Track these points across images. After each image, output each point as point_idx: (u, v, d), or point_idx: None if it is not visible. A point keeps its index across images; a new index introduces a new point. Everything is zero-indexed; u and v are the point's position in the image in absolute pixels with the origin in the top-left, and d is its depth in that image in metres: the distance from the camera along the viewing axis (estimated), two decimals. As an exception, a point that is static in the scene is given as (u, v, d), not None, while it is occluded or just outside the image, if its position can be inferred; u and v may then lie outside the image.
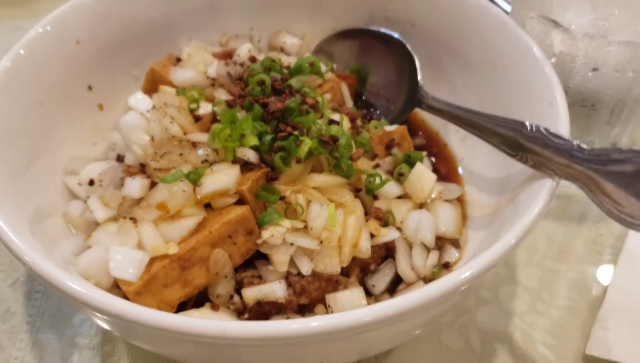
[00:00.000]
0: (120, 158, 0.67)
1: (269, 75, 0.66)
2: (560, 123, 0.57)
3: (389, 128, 0.71)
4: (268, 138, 0.60)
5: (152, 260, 0.53)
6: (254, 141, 0.60)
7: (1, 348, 0.66)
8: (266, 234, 0.57)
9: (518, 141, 0.57)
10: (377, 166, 0.67)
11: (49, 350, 0.66)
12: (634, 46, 0.65)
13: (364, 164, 0.65)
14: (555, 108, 0.59)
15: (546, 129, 0.55)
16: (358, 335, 0.44)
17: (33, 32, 0.64)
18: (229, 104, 0.64)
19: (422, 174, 0.66)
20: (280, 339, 0.41)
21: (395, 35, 0.79)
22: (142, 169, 0.62)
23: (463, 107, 0.65)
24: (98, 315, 0.44)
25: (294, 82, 0.67)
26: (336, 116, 0.66)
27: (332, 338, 0.42)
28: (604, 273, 0.75)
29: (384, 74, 0.80)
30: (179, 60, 0.74)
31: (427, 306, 0.44)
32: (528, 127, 0.56)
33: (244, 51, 0.70)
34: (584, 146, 0.51)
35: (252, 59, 0.70)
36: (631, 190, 0.47)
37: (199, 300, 0.57)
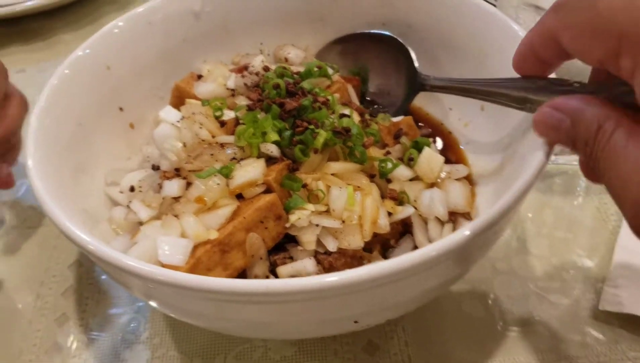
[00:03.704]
0: (154, 167, 0.73)
1: (282, 80, 0.73)
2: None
3: (396, 119, 0.77)
4: (287, 133, 0.67)
5: (196, 247, 0.59)
6: (275, 136, 0.66)
7: (60, 349, 0.72)
8: (293, 217, 0.63)
9: (526, 97, 0.60)
10: (387, 153, 0.73)
11: (103, 347, 0.71)
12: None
13: (375, 152, 0.71)
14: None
15: (551, 79, 0.58)
16: (384, 286, 0.50)
17: (74, 55, 0.72)
18: (250, 108, 0.70)
19: (431, 157, 0.72)
20: (325, 290, 0.46)
21: (385, 32, 0.85)
22: (177, 173, 0.68)
23: (465, 79, 0.71)
24: (163, 289, 0.50)
25: (305, 84, 0.74)
26: (346, 110, 0.72)
27: (369, 286, 0.48)
28: (610, 237, 0.80)
29: (382, 70, 0.86)
30: (199, 77, 0.81)
31: (444, 256, 0.49)
32: (536, 83, 0.59)
33: (257, 62, 0.78)
34: (584, 83, 0.55)
35: (266, 69, 0.77)
36: None
37: (238, 282, 0.63)
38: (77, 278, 0.79)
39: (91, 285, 0.78)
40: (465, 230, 0.51)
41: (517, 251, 0.79)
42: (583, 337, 0.70)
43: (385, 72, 0.86)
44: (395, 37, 0.85)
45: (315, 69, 0.77)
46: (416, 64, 0.81)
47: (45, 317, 0.75)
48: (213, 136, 0.69)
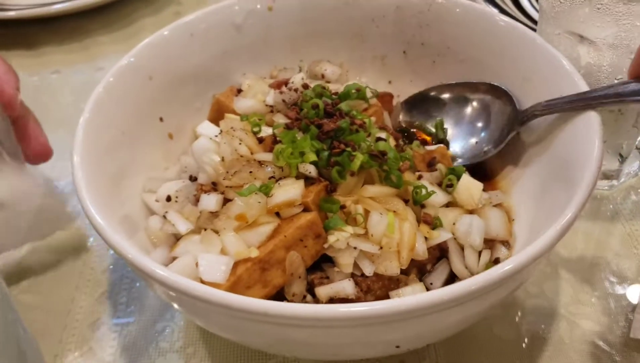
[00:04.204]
0: (192, 178, 0.74)
1: (321, 100, 0.74)
2: (591, 119, 0.64)
3: (430, 148, 0.78)
4: (325, 154, 0.68)
5: (236, 264, 0.60)
6: (313, 157, 0.67)
7: (93, 354, 0.73)
8: (332, 238, 0.63)
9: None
10: (420, 177, 0.73)
11: (136, 354, 0.73)
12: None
13: (409, 177, 0.72)
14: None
15: None
16: (427, 316, 0.50)
17: (119, 64, 0.74)
18: (288, 127, 0.71)
19: (470, 183, 0.72)
20: (375, 317, 0.48)
21: (472, 82, 0.83)
22: (214, 187, 0.69)
23: (569, 97, 0.69)
24: (205, 307, 0.51)
25: (344, 105, 0.75)
26: (383, 134, 0.73)
27: (410, 316, 0.49)
28: (641, 265, 0.80)
29: (472, 117, 0.85)
30: (239, 91, 0.82)
31: (493, 286, 0.50)
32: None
33: (297, 79, 0.79)
34: None
35: (305, 86, 0.78)
36: None
37: (275, 299, 0.64)
38: (111, 284, 0.81)
39: (125, 291, 0.80)
40: (509, 264, 0.51)
41: (548, 275, 0.80)
42: (613, 365, 0.70)
43: (479, 117, 0.84)
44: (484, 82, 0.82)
45: (354, 90, 0.77)
46: (518, 106, 0.78)
47: (79, 322, 0.77)
48: (251, 153, 0.70)
